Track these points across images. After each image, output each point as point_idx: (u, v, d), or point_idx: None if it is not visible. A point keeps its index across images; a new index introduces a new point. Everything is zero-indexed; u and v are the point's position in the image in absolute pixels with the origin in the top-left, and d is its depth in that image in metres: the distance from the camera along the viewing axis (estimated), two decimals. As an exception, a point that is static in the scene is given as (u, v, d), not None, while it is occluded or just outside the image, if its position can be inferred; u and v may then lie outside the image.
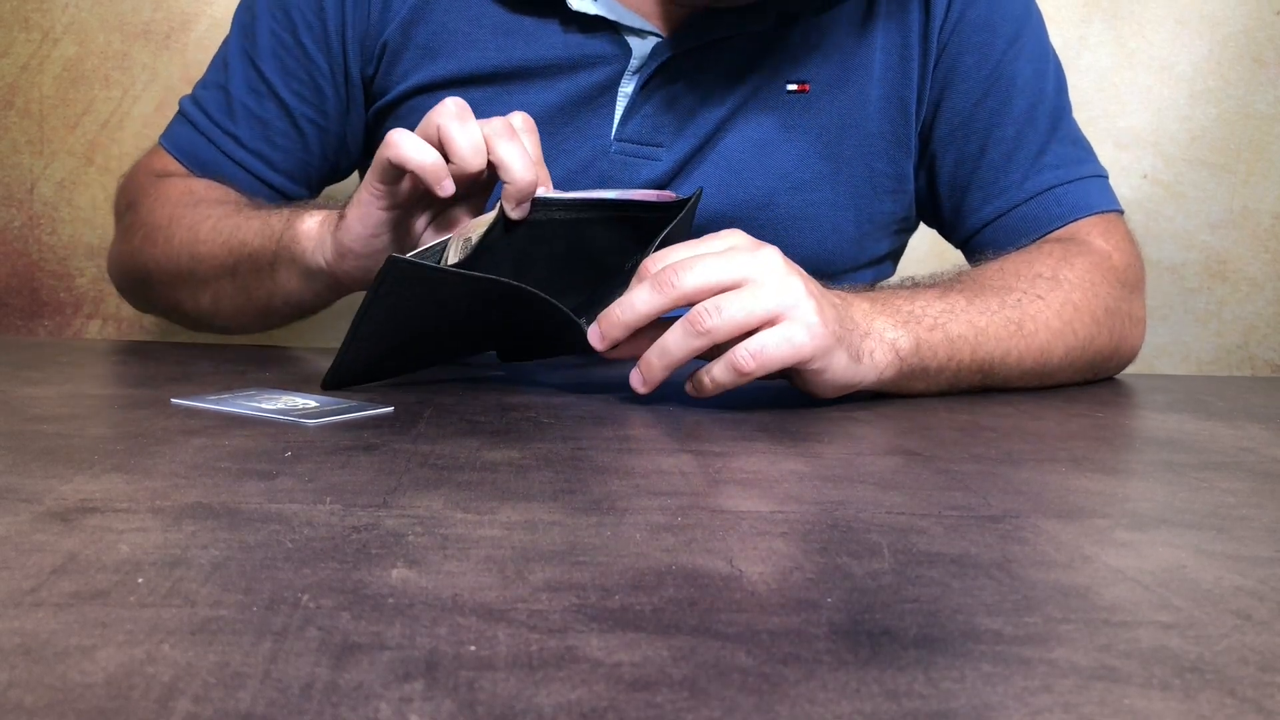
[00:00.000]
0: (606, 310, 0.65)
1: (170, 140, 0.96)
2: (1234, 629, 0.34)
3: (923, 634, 0.32)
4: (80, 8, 1.31)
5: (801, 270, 0.65)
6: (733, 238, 0.66)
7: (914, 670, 0.29)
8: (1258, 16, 1.38)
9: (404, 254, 0.70)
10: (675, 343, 0.63)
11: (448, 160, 0.69)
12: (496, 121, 0.70)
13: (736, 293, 0.63)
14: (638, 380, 0.66)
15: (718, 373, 0.64)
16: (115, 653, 0.29)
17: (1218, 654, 0.31)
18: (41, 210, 1.34)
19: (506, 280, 0.65)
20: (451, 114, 0.69)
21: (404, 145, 0.68)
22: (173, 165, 0.95)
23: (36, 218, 1.34)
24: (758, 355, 0.62)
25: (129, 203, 0.95)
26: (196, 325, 0.93)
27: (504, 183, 0.69)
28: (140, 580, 0.34)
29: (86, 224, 1.34)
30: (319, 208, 0.79)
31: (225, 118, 0.93)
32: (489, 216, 0.68)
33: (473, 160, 0.68)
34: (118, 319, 1.36)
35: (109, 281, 1.35)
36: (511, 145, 0.68)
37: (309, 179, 0.96)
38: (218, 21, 1.32)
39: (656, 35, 0.86)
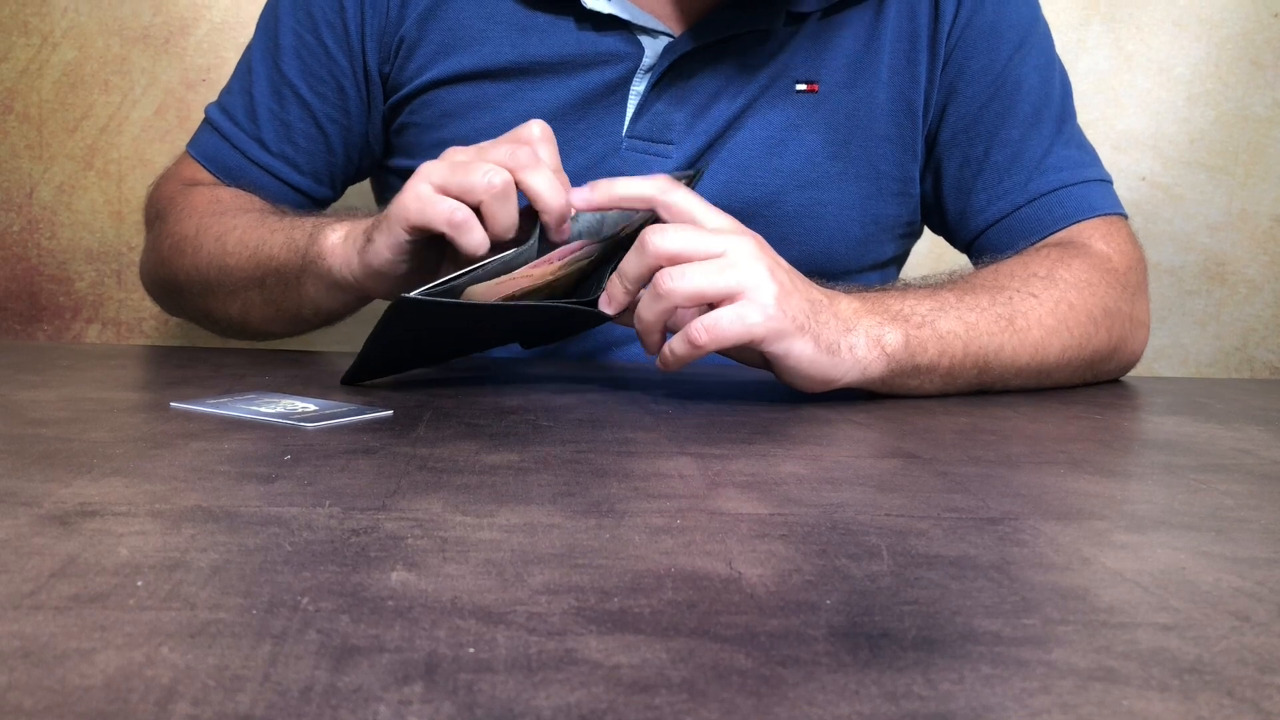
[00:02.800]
0: (611, 278, 0.68)
1: (197, 148, 0.97)
2: (1232, 630, 0.34)
3: (921, 636, 0.32)
4: (79, 12, 1.31)
5: (780, 260, 0.67)
6: (723, 219, 0.69)
7: (913, 672, 0.29)
8: (1256, 19, 1.38)
9: (428, 280, 0.70)
10: (644, 307, 0.67)
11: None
12: (522, 152, 0.69)
13: (702, 264, 0.65)
14: (646, 348, 0.69)
15: (675, 345, 0.66)
16: (114, 656, 0.29)
17: (1216, 655, 0.31)
18: (41, 214, 1.34)
19: (516, 304, 0.66)
20: (477, 171, 0.68)
21: (435, 213, 0.68)
22: (201, 173, 0.96)
23: (36, 222, 1.34)
24: (710, 329, 0.65)
25: (158, 212, 0.95)
26: (227, 333, 0.93)
27: (540, 211, 0.69)
28: (139, 583, 0.34)
29: (86, 228, 1.34)
30: (340, 220, 0.79)
31: (249, 122, 0.94)
32: (519, 251, 0.68)
33: (507, 223, 0.68)
34: (117, 323, 1.36)
35: (108, 285, 1.36)
36: (539, 175, 0.69)
37: (333, 179, 0.96)
38: (217, 26, 1.32)
39: (668, 35, 0.87)
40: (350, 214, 0.80)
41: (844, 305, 0.69)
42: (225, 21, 1.33)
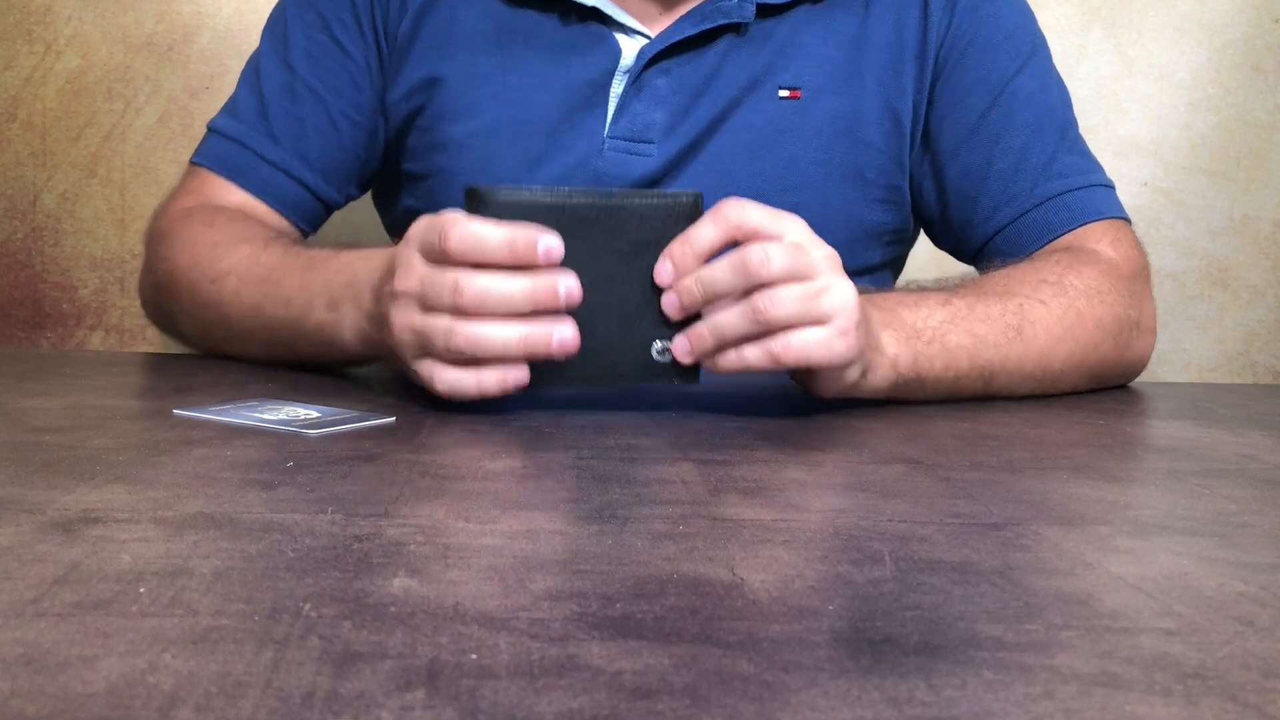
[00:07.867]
0: (676, 244, 0.63)
1: (201, 156, 0.94)
2: (1236, 635, 0.33)
3: (924, 641, 0.32)
4: (83, 20, 1.31)
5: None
6: (799, 228, 0.65)
7: (915, 677, 0.29)
8: (1257, 24, 1.38)
9: None
10: (732, 326, 0.63)
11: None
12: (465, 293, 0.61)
13: (798, 288, 0.62)
14: (684, 349, 0.65)
15: (751, 355, 0.63)
16: (117, 662, 0.29)
17: (1220, 660, 0.31)
18: (44, 222, 1.34)
19: (594, 190, 0.64)
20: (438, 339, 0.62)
21: (467, 390, 0.63)
22: (207, 181, 0.93)
23: (39, 230, 1.34)
24: (797, 350, 0.62)
25: (159, 233, 0.92)
26: (217, 355, 0.92)
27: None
28: (142, 590, 0.34)
29: (89, 236, 1.34)
30: (341, 303, 0.73)
31: (259, 119, 0.92)
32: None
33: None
34: (120, 330, 1.36)
35: (111, 292, 1.36)
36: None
37: (340, 179, 0.94)
38: (220, 33, 1.33)
39: (645, 35, 0.89)
40: (349, 289, 0.73)
41: (873, 320, 0.70)
42: (228, 29, 1.33)
